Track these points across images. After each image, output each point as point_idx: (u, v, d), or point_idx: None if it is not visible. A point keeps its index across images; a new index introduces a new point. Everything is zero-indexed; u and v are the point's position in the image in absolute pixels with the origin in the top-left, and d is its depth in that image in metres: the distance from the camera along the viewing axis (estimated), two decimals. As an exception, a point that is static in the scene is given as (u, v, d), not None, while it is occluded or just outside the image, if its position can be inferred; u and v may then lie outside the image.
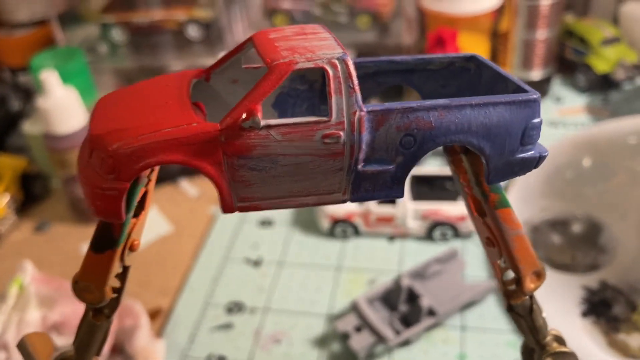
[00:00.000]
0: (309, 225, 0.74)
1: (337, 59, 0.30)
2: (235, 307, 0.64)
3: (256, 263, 0.69)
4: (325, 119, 0.30)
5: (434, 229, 0.69)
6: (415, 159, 0.32)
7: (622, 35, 0.94)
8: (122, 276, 0.35)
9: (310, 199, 0.31)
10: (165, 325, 0.63)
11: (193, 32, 0.86)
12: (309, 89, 0.36)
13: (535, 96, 0.32)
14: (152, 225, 0.76)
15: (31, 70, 0.80)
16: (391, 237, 0.71)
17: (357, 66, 0.31)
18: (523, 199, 0.71)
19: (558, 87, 0.96)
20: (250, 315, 0.63)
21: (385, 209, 0.68)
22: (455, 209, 0.68)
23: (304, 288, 0.66)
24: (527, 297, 0.36)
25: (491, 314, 0.61)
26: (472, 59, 0.36)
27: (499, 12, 0.85)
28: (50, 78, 0.68)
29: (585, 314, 0.59)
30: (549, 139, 0.83)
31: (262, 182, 0.30)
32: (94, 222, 0.77)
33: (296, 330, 0.61)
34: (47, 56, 0.80)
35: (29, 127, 0.81)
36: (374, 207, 0.68)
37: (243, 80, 0.35)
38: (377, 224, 0.70)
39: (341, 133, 0.30)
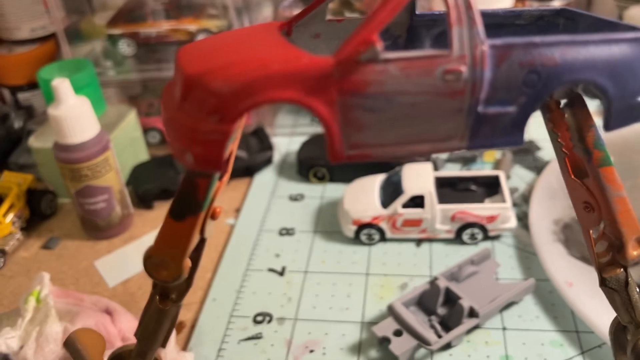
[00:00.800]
0: (331, 233, 0.71)
1: None
2: (263, 318, 0.61)
3: (280, 273, 0.66)
4: (446, 52, 0.27)
5: (463, 231, 0.67)
6: (537, 100, 0.29)
7: (630, 39, 0.94)
8: (197, 252, 0.32)
9: (425, 147, 0.29)
10: (190, 339, 0.59)
11: (203, 41, 0.85)
12: (392, 44, 0.34)
13: None
14: (167, 239, 0.73)
15: (38, 83, 0.77)
16: (419, 241, 0.69)
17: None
18: (549, 198, 0.70)
19: (568, 93, 0.96)
20: (279, 325, 0.60)
21: (413, 212, 0.66)
22: (484, 209, 0.66)
23: (333, 295, 0.63)
24: (622, 269, 0.34)
25: (531, 314, 0.59)
26: (563, 11, 0.35)
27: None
28: (62, 86, 0.65)
29: None
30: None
31: (376, 125, 0.27)
32: (106, 237, 0.74)
33: (329, 338, 0.58)
34: (54, 68, 0.78)
35: (35, 142, 0.78)
36: (402, 210, 0.66)
37: (326, 34, 0.33)
38: (404, 228, 0.67)
39: (463, 68, 0.27)
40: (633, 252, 0.33)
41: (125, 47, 0.85)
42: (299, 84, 0.26)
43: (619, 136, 0.77)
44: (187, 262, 0.32)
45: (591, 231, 0.34)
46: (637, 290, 0.35)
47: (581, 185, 0.33)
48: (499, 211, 0.65)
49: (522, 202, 0.73)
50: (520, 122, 0.30)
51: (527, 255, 0.65)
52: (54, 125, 0.67)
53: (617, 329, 0.37)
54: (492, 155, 0.80)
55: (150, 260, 0.31)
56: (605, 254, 0.34)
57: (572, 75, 0.29)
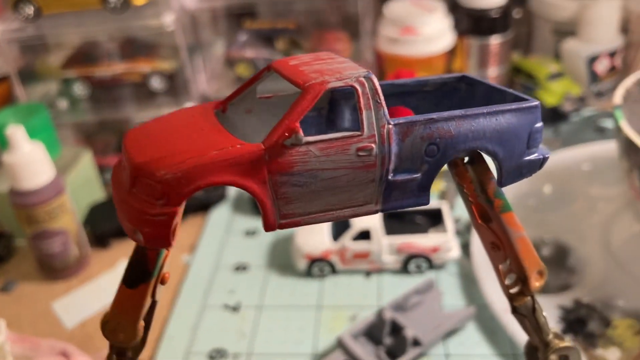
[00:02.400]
0: (284, 267, 0.74)
1: (364, 77, 0.32)
2: (217, 354, 0.63)
3: (235, 308, 0.69)
4: (357, 133, 0.31)
5: (409, 262, 0.70)
6: (438, 167, 0.34)
7: (565, 69, 0.99)
8: (150, 313, 0.35)
9: (346, 212, 0.33)
10: (147, 377, 0.61)
11: (157, 83, 0.87)
12: (317, 114, 0.38)
13: (536, 102, 0.35)
14: (124, 278, 0.75)
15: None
16: (368, 273, 0.72)
17: None
18: (491, 227, 0.73)
19: (510, 122, 1.01)
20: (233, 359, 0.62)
21: (360, 245, 0.69)
22: (428, 240, 0.69)
23: (286, 329, 0.65)
24: (529, 297, 0.38)
25: (472, 340, 0.62)
26: (463, 78, 0.39)
27: (451, 53, 0.90)
28: (16, 133, 0.67)
29: (563, 332, 0.60)
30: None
31: (303, 198, 0.31)
32: (63, 278, 0.75)
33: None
34: (9, 113, 0.79)
35: (-10, 186, 0.79)
36: (350, 243, 0.69)
37: (257, 110, 0.36)
38: (353, 261, 0.70)
39: (373, 145, 0.32)
40: (536, 283, 0.37)
41: (79, 89, 0.87)
42: (234, 168, 0.29)
43: (557, 167, 0.82)
44: (141, 324, 0.34)
45: (500, 266, 0.38)
46: (543, 314, 0.39)
47: (487, 229, 0.37)
48: (441, 242, 0.69)
49: (465, 230, 0.76)
50: (425, 186, 0.34)
51: (470, 283, 0.69)
52: (9, 171, 0.68)
53: (530, 349, 0.42)
54: (438, 186, 0.84)
55: (108, 326, 0.34)
56: (513, 286, 0.38)
57: (466, 144, 0.34)
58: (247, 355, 0.63)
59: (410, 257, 0.70)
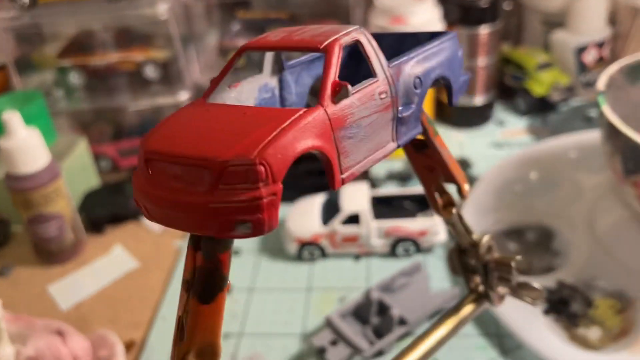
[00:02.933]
0: (275, 251, 0.75)
1: (361, 30, 0.35)
2: (209, 334, 0.64)
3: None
4: (375, 79, 0.35)
5: (397, 245, 0.72)
6: (423, 96, 0.38)
7: (554, 60, 1.01)
8: None
9: (378, 154, 0.35)
10: (140, 357, 0.63)
11: (151, 72, 0.88)
12: (272, 95, 0.41)
13: (455, 33, 0.42)
14: (118, 263, 0.76)
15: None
16: (357, 256, 0.73)
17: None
18: (477, 212, 0.75)
19: (500, 112, 1.02)
20: (224, 340, 0.64)
21: (350, 229, 0.71)
22: (416, 224, 0.71)
23: (276, 311, 0.67)
24: (454, 208, 0.46)
25: (458, 321, 0.64)
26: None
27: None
28: (13, 119, 0.68)
29: (546, 312, 0.62)
30: (495, 159, 0.88)
31: (354, 149, 0.33)
32: (59, 262, 0.76)
33: (272, 351, 0.62)
34: (5, 100, 0.80)
35: (-14, 172, 0.80)
36: (340, 227, 0.71)
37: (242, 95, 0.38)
38: (343, 244, 0.72)
39: (388, 87, 0.35)
40: (466, 189, 0.44)
41: (75, 78, 0.89)
42: (312, 132, 0.30)
43: (539, 155, 0.83)
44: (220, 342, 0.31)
45: (432, 187, 0.46)
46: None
47: (422, 155, 0.44)
48: (428, 226, 0.71)
49: (453, 216, 0.78)
50: (417, 116, 0.38)
51: (456, 266, 0.71)
52: (5, 156, 0.70)
53: (456, 254, 0.51)
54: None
55: (189, 358, 0.30)
56: (441, 200, 0.46)
57: (435, 73, 0.39)
58: (238, 335, 0.64)
59: (398, 241, 0.71)
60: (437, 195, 0.46)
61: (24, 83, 0.89)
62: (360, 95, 0.33)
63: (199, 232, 0.30)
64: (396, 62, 0.36)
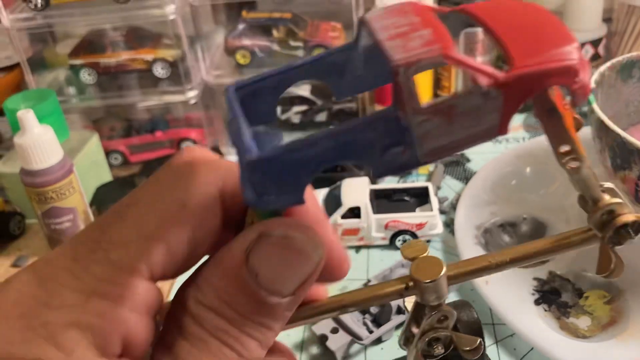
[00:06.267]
0: (280, 244, 0.78)
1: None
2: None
3: (232, 281, 0.73)
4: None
5: (396, 237, 0.75)
6: None
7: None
8: None
9: None
10: (150, 343, 0.66)
11: (160, 70, 0.91)
12: None
13: None
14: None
15: (5, 112, 0.83)
16: (358, 248, 0.76)
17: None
18: (474, 206, 0.78)
19: (499, 108, 1.05)
20: (231, 327, 0.67)
21: (351, 222, 0.74)
22: (415, 218, 0.74)
23: (280, 300, 0.70)
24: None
25: (454, 310, 0.66)
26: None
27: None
28: (27, 116, 0.71)
29: (538, 302, 0.65)
30: (494, 152, 0.90)
31: None
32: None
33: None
34: (19, 98, 0.84)
35: (2, 167, 0.83)
36: (341, 220, 0.74)
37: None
38: (343, 237, 0.75)
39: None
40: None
41: (86, 76, 0.92)
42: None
43: (534, 150, 0.86)
44: None
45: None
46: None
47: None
48: (426, 219, 0.73)
49: (451, 209, 0.81)
50: None
51: (453, 257, 0.73)
52: (19, 152, 0.73)
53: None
54: (427, 168, 0.88)
55: None
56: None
57: None
58: (243, 323, 0.67)
59: (397, 233, 0.74)
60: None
61: (37, 81, 0.92)
62: None
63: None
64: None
